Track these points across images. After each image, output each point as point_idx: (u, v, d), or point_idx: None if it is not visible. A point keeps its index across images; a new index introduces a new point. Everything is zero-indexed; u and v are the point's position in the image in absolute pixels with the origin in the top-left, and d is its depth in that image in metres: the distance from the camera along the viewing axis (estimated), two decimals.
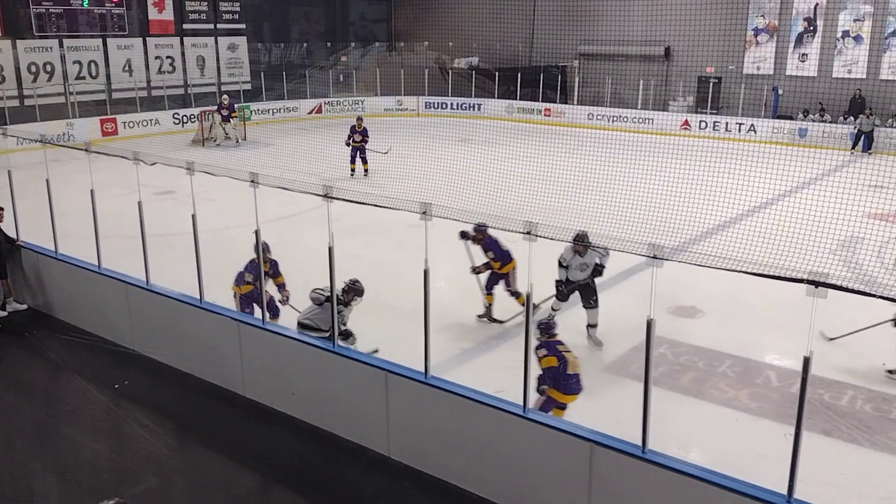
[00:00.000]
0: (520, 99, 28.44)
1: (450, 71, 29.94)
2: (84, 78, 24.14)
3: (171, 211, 9.88)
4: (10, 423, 7.34)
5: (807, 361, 4.43)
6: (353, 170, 17.72)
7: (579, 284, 8.57)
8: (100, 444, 6.95)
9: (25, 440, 7.14)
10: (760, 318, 9.40)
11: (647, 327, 4.89)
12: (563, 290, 8.58)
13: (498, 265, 8.96)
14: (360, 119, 18.00)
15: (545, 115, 27.62)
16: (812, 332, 4.25)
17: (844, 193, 13.04)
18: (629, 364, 7.99)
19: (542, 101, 27.96)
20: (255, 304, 8.04)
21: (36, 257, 9.67)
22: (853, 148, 21.75)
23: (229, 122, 22.26)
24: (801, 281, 4.31)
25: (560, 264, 8.42)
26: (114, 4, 24.56)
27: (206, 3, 27.06)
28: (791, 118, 23.54)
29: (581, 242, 7.77)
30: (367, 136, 17.87)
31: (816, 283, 4.26)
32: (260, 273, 7.53)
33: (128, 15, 25.01)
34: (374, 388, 6.44)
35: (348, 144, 17.71)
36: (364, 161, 17.78)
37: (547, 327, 6.45)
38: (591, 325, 8.68)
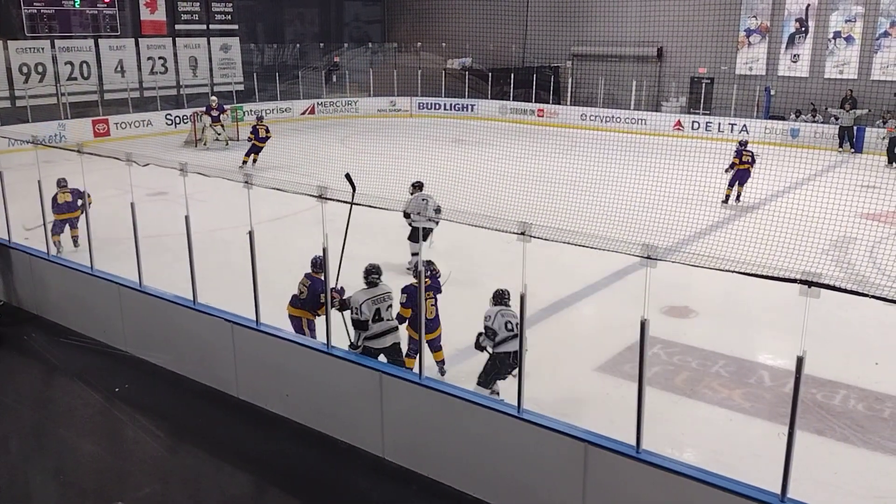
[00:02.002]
0: (513, 99, 28.46)
1: (444, 71, 29.94)
2: (76, 79, 24.03)
3: (164, 212, 9.86)
4: (4, 426, 7.31)
5: (800, 361, 4.45)
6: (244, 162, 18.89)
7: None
8: (94, 446, 6.92)
9: (20, 442, 7.11)
10: (754, 318, 9.44)
11: (640, 327, 4.90)
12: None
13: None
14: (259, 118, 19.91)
15: (538, 116, 27.65)
16: (805, 332, 4.26)
17: (836, 193, 13.11)
18: (623, 364, 8.01)
19: (536, 102, 27.98)
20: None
21: (29, 259, 9.62)
22: (840, 146, 21.85)
23: (219, 122, 22.20)
24: (794, 281, 4.33)
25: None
26: (106, 5, 24.46)
27: (198, 4, 26.99)
28: (783, 118, 23.63)
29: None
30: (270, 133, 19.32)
31: (809, 283, 4.27)
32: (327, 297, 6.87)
33: (120, 15, 24.91)
34: (368, 390, 6.44)
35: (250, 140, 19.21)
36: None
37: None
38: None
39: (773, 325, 9.19)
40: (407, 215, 9.32)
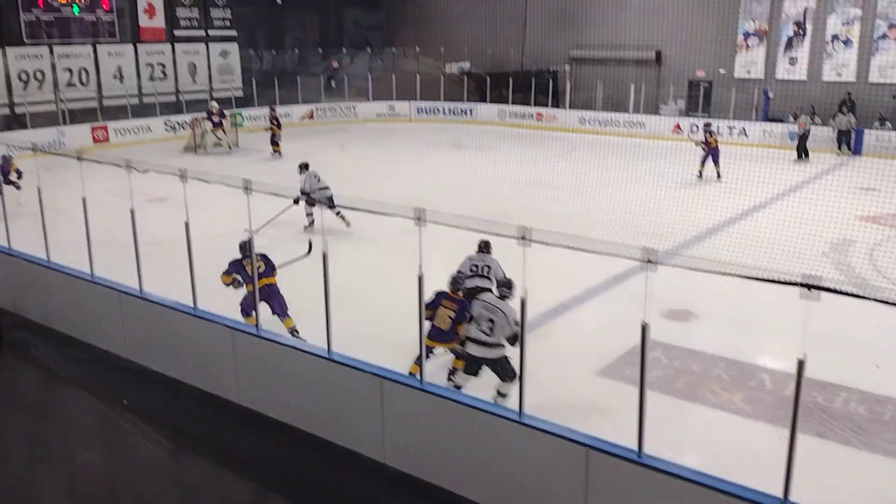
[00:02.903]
0: (512, 103, 28.50)
1: (442, 76, 30.00)
2: (75, 85, 24.08)
3: (164, 218, 9.85)
4: (5, 433, 7.29)
5: (801, 364, 4.45)
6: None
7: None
8: (94, 453, 6.92)
9: (20, 450, 7.10)
10: (754, 322, 9.43)
11: (641, 331, 4.90)
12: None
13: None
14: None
15: (537, 120, 27.68)
16: (806, 335, 4.26)
17: (835, 196, 13.12)
18: (623, 368, 8.01)
19: (534, 106, 28.02)
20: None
21: (28, 266, 9.62)
22: (839, 148, 21.87)
23: (220, 128, 22.23)
24: (794, 284, 4.33)
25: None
26: (104, 11, 24.51)
27: (197, 10, 27.04)
28: (782, 121, 23.66)
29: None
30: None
31: (810, 286, 4.27)
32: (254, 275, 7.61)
33: (119, 22, 24.96)
34: (369, 395, 6.43)
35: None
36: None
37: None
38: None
39: (773, 328, 9.18)
40: (305, 192, 11.86)
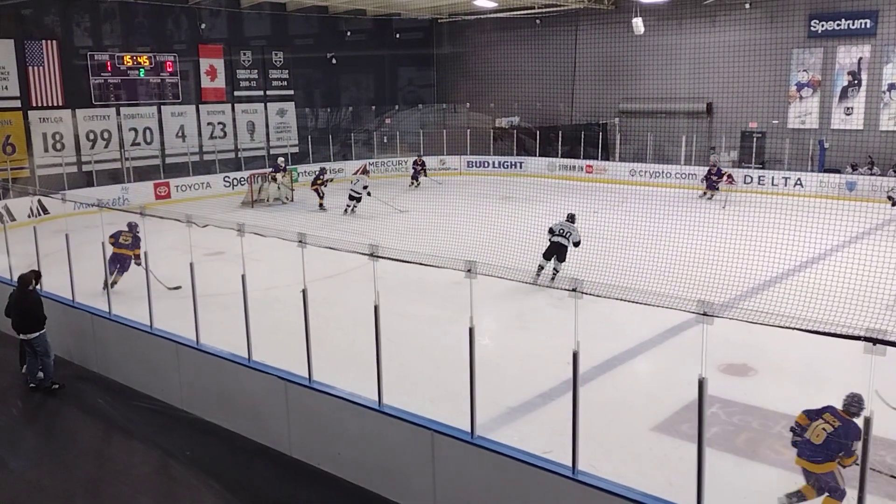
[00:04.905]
0: (561, 156, 28.64)
1: (492, 130, 30.40)
2: (139, 144, 25.12)
3: (222, 271, 10.10)
4: (65, 482, 7.45)
5: (867, 422, 4.29)
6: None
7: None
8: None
9: (79, 499, 7.23)
10: (815, 377, 9.12)
11: (698, 386, 4.79)
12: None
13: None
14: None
15: (587, 172, 27.71)
16: (871, 392, 4.11)
17: None
18: (680, 424, 7.79)
19: (584, 158, 28.09)
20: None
21: (90, 318, 9.93)
22: None
23: (284, 177, 23.41)
24: (857, 338, 4.19)
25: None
26: (168, 73, 25.67)
27: (256, 72, 28.12)
28: (839, 171, 23.19)
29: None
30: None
31: (874, 341, 4.14)
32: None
33: (182, 84, 26.10)
34: (420, 448, 6.39)
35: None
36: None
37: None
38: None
39: (836, 383, 8.84)
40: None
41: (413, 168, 27.04)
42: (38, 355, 9.29)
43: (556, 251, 13.00)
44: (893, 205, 18.73)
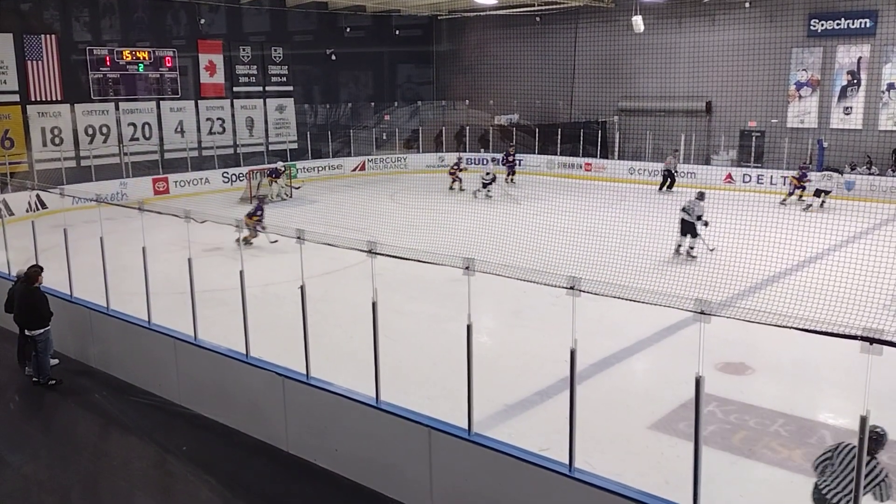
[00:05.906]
0: (560, 154, 28.62)
1: (491, 128, 30.38)
2: (138, 139, 25.08)
3: (220, 266, 10.09)
4: (62, 476, 7.45)
5: (864, 421, 4.29)
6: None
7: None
8: (149, 499, 7.00)
9: (77, 494, 7.23)
10: (812, 376, 9.14)
11: (695, 384, 4.80)
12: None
13: None
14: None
15: (586, 170, 27.70)
16: (868, 391, 4.12)
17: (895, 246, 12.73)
18: (677, 422, 7.81)
19: (583, 156, 28.08)
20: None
21: (88, 313, 9.93)
22: None
23: (278, 179, 23.31)
24: (854, 338, 4.20)
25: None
26: (168, 69, 25.64)
27: (255, 68, 28.08)
28: (837, 171, 23.18)
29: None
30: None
31: (871, 340, 4.14)
32: None
33: (181, 79, 26.06)
34: (417, 445, 6.40)
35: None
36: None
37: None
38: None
39: (833, 382, 8.89)
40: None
41: (455, 168, 25.37)
42: (36, 352, 9.28)
43: (684, 227, 14.37)
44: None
